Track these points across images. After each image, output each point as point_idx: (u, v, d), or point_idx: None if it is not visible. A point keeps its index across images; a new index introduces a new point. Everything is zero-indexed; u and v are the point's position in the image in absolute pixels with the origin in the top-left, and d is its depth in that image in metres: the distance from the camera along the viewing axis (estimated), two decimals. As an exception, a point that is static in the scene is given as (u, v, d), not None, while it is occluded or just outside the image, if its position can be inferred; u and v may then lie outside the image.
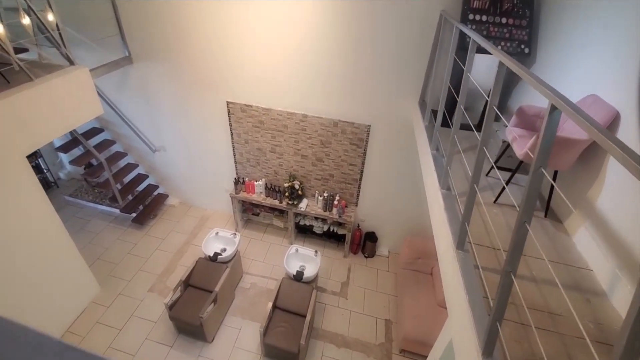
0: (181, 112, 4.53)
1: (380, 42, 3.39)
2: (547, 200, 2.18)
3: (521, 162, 2.10)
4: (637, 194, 1.57)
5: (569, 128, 2.03)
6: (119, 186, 4.87)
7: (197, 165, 5.05)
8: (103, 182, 4.76)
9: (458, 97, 2.00)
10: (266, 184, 4.68)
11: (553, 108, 0.98)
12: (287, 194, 4.51)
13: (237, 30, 3.67)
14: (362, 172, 4.36)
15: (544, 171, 0.99)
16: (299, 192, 4.52)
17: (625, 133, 1.74)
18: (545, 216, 2.14)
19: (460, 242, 1.67)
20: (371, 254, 4.95)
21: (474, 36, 1.84)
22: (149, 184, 5.42)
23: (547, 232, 2.03)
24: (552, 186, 2.10)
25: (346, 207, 4.53)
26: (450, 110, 2.40)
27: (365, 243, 4.90)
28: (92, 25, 3.98)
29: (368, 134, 4.01)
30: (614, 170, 1.78)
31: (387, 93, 3.70)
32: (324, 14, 3.37)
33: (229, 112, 4.33)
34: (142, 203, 5.17)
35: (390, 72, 3.55)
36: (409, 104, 3.68)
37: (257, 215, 5.21)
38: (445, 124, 2.61)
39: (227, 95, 4.21)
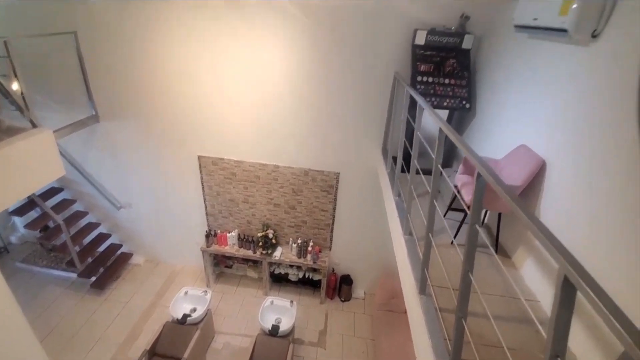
0: (150, 167, 4.51)
1: (345, 96, 3.72)
2: (495, 237, 2.39)
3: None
4: (564, 231, 1.79)
5: (506, 175, 2.30)
6: (77, 248, 4.57)
7: (166, 220, 4.91)
8: (60, 245, 4.46)
9: (411, 148, 2.24)
10: (239, 234, 4.63)
11: (479, 175, 1.17)
12: (260, 243, 4.48)
13: (207, 87, 3.86)
14: (333, 217, 4.48)
15: (478, 228, 1.14)
16: (273, 240, 4.51)
17: (551, 178, 2.01)
18: (496, 252, 2.33)
19: (422, 286, 1.77)
20: (347, 298, 4.90)
21: (420, 101, 2.12)
22: (112, 244, 5.14)
23: (497, 268, 2.20)
24: (499, 225, 2.32)
25: (320, 252, 4.55)
26: (408, 157, 2.63)
27: (341, 287, 4.86)
28: (58, 85, 4.01)
29: (337, 180, 4.21)
30: (545, 210, 2.03)
31: (353, 142, 3.98)
32: (293, 72, 3.67)
33: (200, 165, 4.38)
34: (103, 265, 4.86)
35: (356, 123, 3.86)
36: (373, 152, 3.96)
37: (230, 267, 5.05)
38: (406, 170, 2.84)
39: (198, 149, 4.29)
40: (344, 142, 3.99)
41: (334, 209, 4.42)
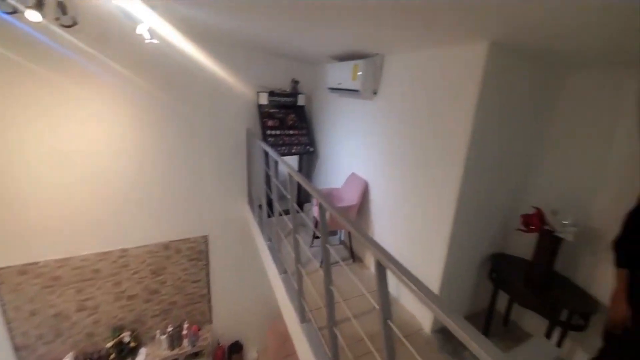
0: None
1: (202, 157, 3.66)
2: (350, 249, 2.92)
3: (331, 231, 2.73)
4: (386, 225, 2.37)
5: (346, 198, 2.86)
6: None
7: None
8: None
9: (272, 193, 2.48)
10: (76, 357, 3.49)
11: (320, 205, 1.46)
12: (113, 355, 3.50)
13: (10, 164, 2.84)
14: (208, 284, 4.12)
15: (328, 247, 1.40)
16: (132, 344, 3.62)
17: (373, 192, 2.76)
18: (353, 261, 2.88)
19: (302, 315, 1.92)
20: (241, 366, 4.49)
21: (270, 152, 2.43)
22: None
23: (356, 272, 2.73)
24: (350, 239, 2.83)
25: (199, 330, 4.05)
26: (271, 202, 2.87)
27: (230, 357, 4.43)
28: None
29: (207, 243, 3.97)
30: (374, 214, 2.63)
31: (217, 200, 3.90)
32: (136, 141, 3.26)
33: (-4, 283, 3.07)
34: None
35: (217, 181, 3.83)
36: (239, 205, 4.04)
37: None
38: (271, 214, 3.06)
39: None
40: (207, 202, 3.84)
41: (208, 275, 4.08)
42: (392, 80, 2.46)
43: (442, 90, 1.98)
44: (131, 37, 2.49)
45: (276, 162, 2.41)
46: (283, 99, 3.76)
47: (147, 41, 2.39)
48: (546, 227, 1.97)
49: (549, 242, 1.97)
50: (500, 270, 2.18)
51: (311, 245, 3.03)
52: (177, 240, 3.78)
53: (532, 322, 2.31)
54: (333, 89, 3.05)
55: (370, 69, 2.56)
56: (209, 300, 4.19)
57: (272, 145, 3.48)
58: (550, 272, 2.03)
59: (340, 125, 3.32)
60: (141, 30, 2.26)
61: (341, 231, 3.32)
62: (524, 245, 2.18)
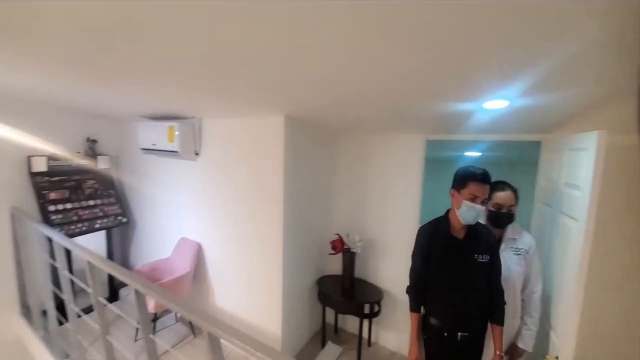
0: None
1: None
2: (189, 323, 2.65)
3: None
4: (229, 289, 2.22)
5: (178, 267, 2.55)
6: None
7: None
8: None
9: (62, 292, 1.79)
10: None
11: (137, 292, 1.16)
12: None
13: None
14: None
15: (153, 337, 1.11)
16: None
17: (208, 253, 2.65)
18: (195, 336, 2.62)
19: None
20: None
21: (55, 236, 1.78)
22: None
23: (199, 345, 2.52)
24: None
25: None
26: (62, 303, 2.07)
27: None
28: None
29: None
30: (211, 274, 2.55)
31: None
32: None
33: None
34: None
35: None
36: (5, 321, 2.70)
37: None
38: (64, 320, 2.20)
39: None
40: None
41: None
42: (214, 141, 2.47)
43: (257, 149, 2.23)
44: None
45: (61, 248, 1.80)
46: (74, 163, 2.97)
47: None
48: (346, 247, 2.56)
49: (349, 257, 2.58)
50: (324, 290, 2.56)
51: (136, 339, 2.36)
52: None
53: (353, 322, 2.82)
54: (147, 150, 2.69)
55: (188, 130, 2.46)
56: None
57: (60, 225, 2.64)
58: (352, 279, 2.61)
59: (162, 188, 2.95)
60: None
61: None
62: (337, 264, 2.71)
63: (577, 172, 1.35)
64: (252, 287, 2.39)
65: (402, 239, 2.59)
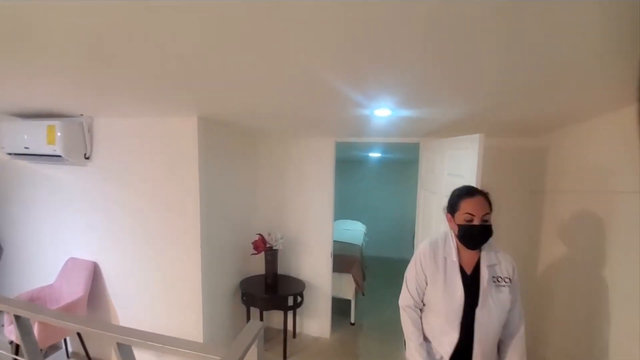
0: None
1: None
2: (87, 356, 2.29)
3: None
4: (139, 307, 2.05)
5: (68, 292, 2.23)
6: None
7: None
8: None
9: None
10: None
11: (17, 317, 1.00)
12: None
13: None
14: None
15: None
16: None
17: (108, 271, 2.34)
18: None
19: None
20: None
21: None
22: None
23: None
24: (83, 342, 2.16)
25: None
26: None
27: None
28: None
29: None
30: (114, 296, 2.21)
31: None
32: None
33: None
34: None
35: None
36: None
37: None
38: None
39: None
40: None
41: None
42: (110, 143, 2.17)
43: (166, 152, 2.07)
44: None
45: None
46: None
47: None
48: (268, 245, 2.61)
49: (271, 255, 2.63)
50: (248, 291, 2.54)
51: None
52: None
53: (277, 319, 2.92)
54: (18, 155, 2.22)
55: (75, 130, 2.12)
56: None
57: None
58: (276, 276, 2.67)
59: (38, 201, 2.46)
60: None
61: (65, 340, 2.43)
62: (260, 264, 2.71)
63: (460, 164, 1.73)
64: (167, 298, 2.21)
65: (319, 233, 2.84)
